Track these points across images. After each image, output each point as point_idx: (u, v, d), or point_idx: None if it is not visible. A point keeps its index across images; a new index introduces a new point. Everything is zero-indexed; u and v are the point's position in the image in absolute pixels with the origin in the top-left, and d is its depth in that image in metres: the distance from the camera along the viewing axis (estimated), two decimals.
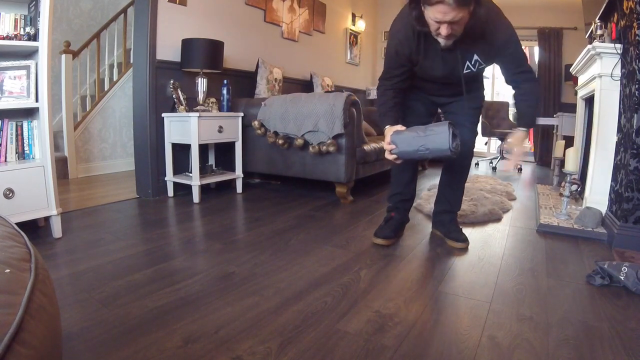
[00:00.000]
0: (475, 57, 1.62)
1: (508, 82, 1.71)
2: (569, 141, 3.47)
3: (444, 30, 1.40)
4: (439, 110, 2.02)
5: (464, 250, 1.85)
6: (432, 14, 1.38)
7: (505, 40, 1.56)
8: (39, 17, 1.74)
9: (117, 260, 1.63)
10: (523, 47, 1.65)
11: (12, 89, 1.73)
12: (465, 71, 1.66)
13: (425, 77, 1.77)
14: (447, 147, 1.43)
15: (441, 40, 1.48)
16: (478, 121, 1.95)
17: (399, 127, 1.60)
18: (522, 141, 1.67)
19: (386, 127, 1.67)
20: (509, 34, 1.56)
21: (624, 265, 1.46)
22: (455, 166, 1.97)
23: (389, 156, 1.61)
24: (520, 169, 4.78)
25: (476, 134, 1.93)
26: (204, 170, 2.88)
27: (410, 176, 2.01)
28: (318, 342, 1.08)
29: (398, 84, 1.73)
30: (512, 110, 7.64)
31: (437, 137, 1.45)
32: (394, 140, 1.55)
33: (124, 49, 4.11)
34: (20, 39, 1.74)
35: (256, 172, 3.23)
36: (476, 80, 1.85)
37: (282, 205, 2.66)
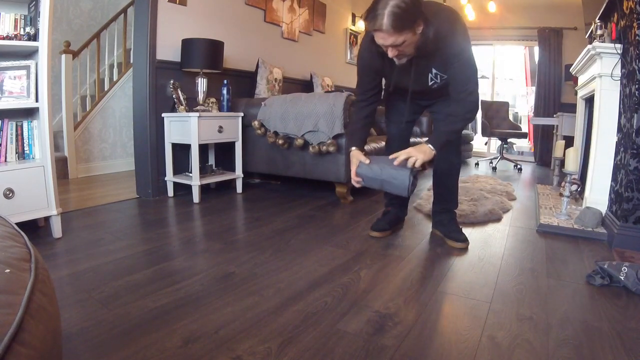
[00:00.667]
0: (434, 70, 1.69)
1: (452, 95, 1.71)
2: (569, 141, 3.47)
3: (390, 52, 1.51)
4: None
5: (464, 250, 1.86)
6: (376, 39, 1.50)
7: (453, 54, 1.61)
8: (39, 17, 1.74)
9: (117, 260, 1.63)
10: (477, 71, 1.68)
11: (12, 89, 1.73)
12: (430, 83, 1.73)
13: (400, 88, 1.83)
14: (406, 193, 1.64)
15: (395, 60, 1.58)
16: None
17: (363, 159, 1.71)
18: (424, 154, 1.63)
19: (352, 148, 1.80)
20: (458, 50, 1.61)
21: (624, 265, 1.46)
22: (443, 166, 2.01)
23: (354, 181, 1.74)
24: (520, 169, 4.78)
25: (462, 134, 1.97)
26: (204, 170, 2.88)
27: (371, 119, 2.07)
28: (318, 342, 1.08)
29: (372, 97, 1.83)
30: (512, 111, 7.65)
31: (397, 182, 1.62)
32: (359, 173, 1.71)
33: (124, 49, 4.11)
34: (20, 39, 1.74)
35: (256, 172, 3.23)
36: None
37: (282, 205, 2.66)
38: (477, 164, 5.14)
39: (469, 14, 5.16)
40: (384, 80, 1.87)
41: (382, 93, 1.91)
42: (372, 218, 2.35)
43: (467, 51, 1.63)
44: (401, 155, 1.62)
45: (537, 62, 5.74)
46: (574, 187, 2.53)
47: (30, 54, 1.84)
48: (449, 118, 1.67)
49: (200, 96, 2.79)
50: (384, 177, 1.64)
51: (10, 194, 1.68)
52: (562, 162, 2.65)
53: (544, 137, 5.56)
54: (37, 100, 1.77)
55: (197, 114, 2.57)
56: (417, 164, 1.62)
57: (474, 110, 1.68)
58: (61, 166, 3.51)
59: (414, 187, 1.65)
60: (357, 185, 1.74)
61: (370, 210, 2.56)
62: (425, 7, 1.50)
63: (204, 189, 2.81)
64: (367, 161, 1.70)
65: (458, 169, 2.05)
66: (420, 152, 1.63)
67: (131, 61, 3.40)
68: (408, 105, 1.89)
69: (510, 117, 5.65)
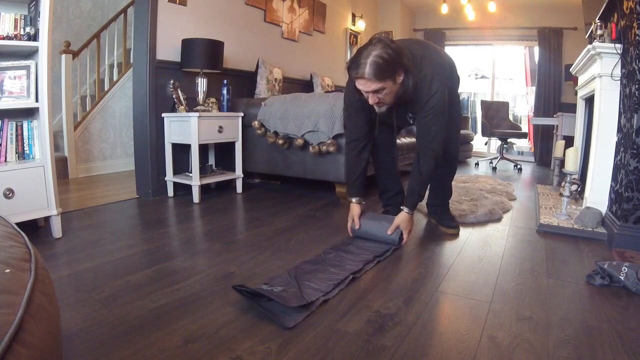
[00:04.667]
0: (410, 114, 1.83)
1: (417, 145, 1.83)
2: (569, 141, 3.47)
3: (370, 99, 1.60)
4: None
5: (455, 236, 2.01)
6: (358, 85, 1.59)
7: (423, 105, 1.69)
8: (39, 17, 1.74)
9: (117, 260, 1.63)
10: (444, 122, 1.73)
11: (12, 89, 1.73)
12: (410, 121, 1.88)
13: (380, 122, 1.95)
14: (396, 244, 1.85)
15: (375, 107, 1.66)
16: (457, 119, 2.04)
17: (356, 220, 1.92)
18: (408, 225, 1.85)
19: (352, 200, 1.95)
20: (431, 104, 1.68)
21: (624, 265, 1.46)
22: (441, 169, 2.04)
23: (350, 227, 1.95)
24: (520, 169, 4.78)
25: (455, 133, 2.06)
26: (204, 170, 2.88)
27: (390, 174, 2.21)
28: (318, 342, 1.08)
29: (366, 135, 1.90)
30: (512, 112, 7.66)
31: (389, 238, 1.86)
32: (355, 233, 1.94)
33: (124, 49, 4.11)
34: (20, 39, 1.74)
35: (256, 172, 3.23)
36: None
37: (282, 205, 2.66)
38: (477, 164, 5.14)
39: (469, 14, 5.16)
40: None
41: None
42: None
43: (441, 107, 1.69)
44: (393, 227, 1.83)
45: (537, 62, 5.74)
46: (574, 187, 2.53)
47: (30, 54, 1.84)
48: (416, 174, 1.81)
49: (200, 96, 2.79)
50: (376, 237, 1.90)
51: (10, 194, 1.68)
52: (562, 162, 2.65)
53: (544, 137, 5.56)
54: (37, 100, 1.77)
55: (197, 114, 2.57)
56: (406, 237, 1.85)
57: (438, 157, 1.80)
58: (61, 166, 3.51)
59: (401, 240, 1.87)
60: (349, 229, 1.95)
61: (371, 210, 2.55)
62: (409, 55, 1.60)
63: (204, 189, 2.81)
64: (357, 226, 1.92)
65: (451, 168, 2.16)
66: (407, 223, 1.84)
67: (131, 61, 3.40)
68: (395, 127, 1.99)
69: (510, 117, 5.65)
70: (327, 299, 1.31)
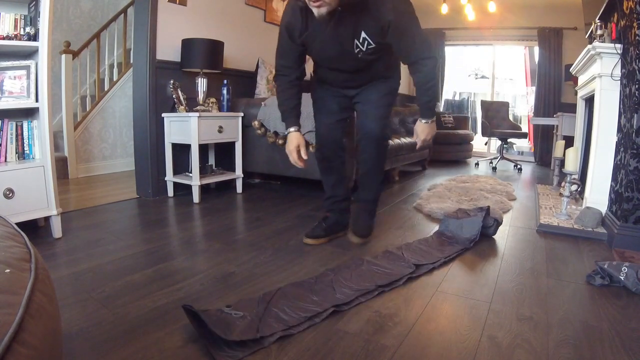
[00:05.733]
0: (363, 34, 1.49)
1: (407, 65, 1.63)
2: (569, 141, 3.47)
3: None
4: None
5: (362, 245, 1.84)
6: None
7: (391, 20, 1.42)
8: (39, 17, 1.74)
9: (117, 260, 1.63)
10: (425, 32, 1.56)
11: (12, 89, 1.73)
12: (356, 50, 1.54)
13: (324, 64, 1.72)
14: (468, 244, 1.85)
15: (314, 10, 1.38)
16: (389, 108, 1.83)
17: (302, 148, 1.67)
18: (424, 132, 1.72)
19: (291, 129, 1.69)
20: (399, 12, 1.42)
21: (624, 265, 1.46)
22: (363, 156, 1.83)
23: (297, 161, 1.67)
24: (520, 169, 4.78)
25: (385, 122, 1.79)
26: (204, 170, 2.88)
27: (336, 179, 1.91)
28: (318, 342, 1.08)
29: (295, 73, 1.70)
30: (511, 112, 7.66)
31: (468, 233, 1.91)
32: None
33: (124, 49, 4.11)
34: (20, 39, 1.74)
35: (256, 172, 3.23)
36: (384, 63, 1.72)
37: (282, 205, 2.66)
38: (477, 164, 5.14)
39: (469, 14, 5.16)
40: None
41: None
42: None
43: (409, 12, 1.47)
44: (419, 143, 1.73)
45: (537, 62, 5.73)
46: (574, 187, 2.53)
47: (30, 54, 1.84)
48: (420, 89, 1.64)
49: (200, 96, 2.79)
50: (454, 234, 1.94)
51: (10, 194, 1.68)
52: (562, 162, 2.64)
53: (544, 137, 5.56)
54: (37, 100, 1.77)
55: (197, 114, 2.57)
56: (420, 142, 1.74)
57: (435, 76, 1.61)
58: (61, 166, 3.51)
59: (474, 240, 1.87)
60: (296, 162, 1.67)
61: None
62: None
63: (204, 189, 2.81)
64: (306, 156, 1.68)
65: (380, 163, 1.88)
66: (426, 130, 1.71)
67: (131, 61, 3.40)
68: (337, 92, 1.76)
69: (510, 117, 5.64)
70: (288, 334, 1.09)
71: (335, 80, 1.77)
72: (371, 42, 1.50)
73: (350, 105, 1.87)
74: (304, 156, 1.66)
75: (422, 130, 1.72)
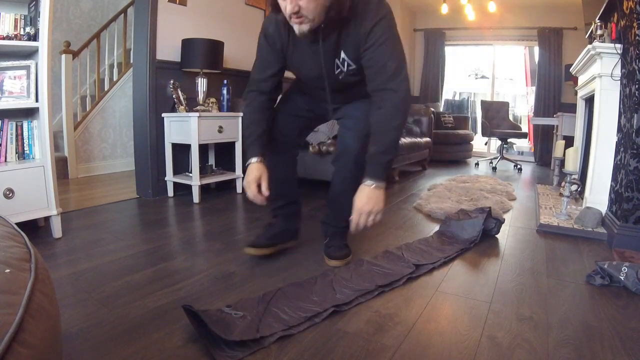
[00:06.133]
0: (343, 54, 1.36)
1: (371, 93, 1.37)
2: (569, 141, 3.47)
3: (287, 7, 1.18)
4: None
5: (340, 267, 1.57)
6: None
7: (369, 35, 1.27)
8: (39, 17, 1.74)
9: (117, 260, 1.63)
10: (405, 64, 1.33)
11: (12, 89, 1.73)
12: (337, 71, 1.40)
13: (304, 80, 1.55)
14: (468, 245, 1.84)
15: (295, 27, 1.25)
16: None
17: (264, 182, 1.39)
18: (366, 201, 1.29)
19: (253, 159, 1.43)
20: (380, 29, 1.26)
21: (624, 265, 1.46)
22: (338, 176, 1.58)
23: (255, 195, 1.38)
24: (520, 169, 4.78)
25: (367, 141, 1.43)
26: (204, 170, 2.88)
27: (283, 176, 1.65)
28: (318, 342, 1.08)
29: (269, 93, 1.51)
30: (511, 112, 7.66)
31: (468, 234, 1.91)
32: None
33: (124, 49, 4.11)
34: (20, 39, 1.74)
35: None
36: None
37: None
38: (477, 164, 5.14)
39: (469, 14, 5.16)
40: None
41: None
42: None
43: (390, 28, 1.29)
44: (355, 217, 1.31)
45: (537, 62, 5.73)
46: (574, 187, 2.53)
47: (30, 54, 1.84)
48: (376, 132, 1.33)
49: (200, 96, 2.79)
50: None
51: (10, 194, 1.68)
52: (562, 162, 2.64)
53: (544, 137, 5.56)
54: (37, 100, 1.77)
55: (197, 114, 2.57)
56: (363, 220, 1.30)
57: (406, 103, 1.33)
58: (61, 166, 3.51)
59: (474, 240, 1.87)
60: (254, 197, 1.39)
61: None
62: None
63: (204, 189, 2.81)
64: (267, 192, 1.39)
65: (352, 185, 1.49)
66: (367, 200, 1.29)
67: (131, 61, 3.40)
68: (320, 98, 1.55)
69: (510, 117, 5.64)
70: (288, 334, 1.09)
71: (316, 95, 1.60)
72: (351, 63, 1.37)
73: (324, 116, 1.68)
74: (265, 191, 1.38)
75: (363, 198, 1.30)
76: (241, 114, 2.94)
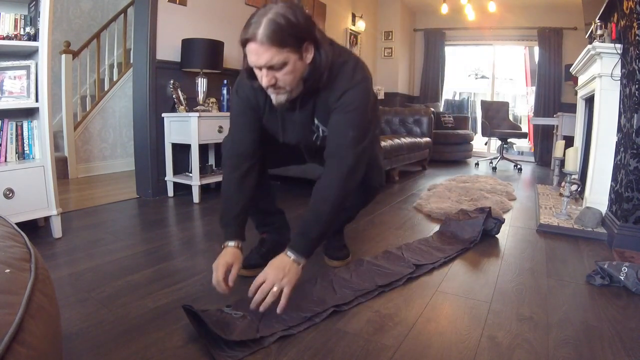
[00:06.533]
0: (316, 120, 1.28)
1: (325, 159, 1.25)
2: (569, 141, 3.47)
3: (264, 79, 1.10)
4: None
5: (340, 267, 1.57)
6: (249, 59, 1.10)
7: (340, 96, 1.19)
8: (39, 17, 1.74)
9: (117, 260, 1.63)
10: (367, 136, 1.23)
11: (12, 89, 1.73)
12: (313, 137, 1.33)
13: (281, 143, 1.41)
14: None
15: (272, 96, 1.18)
16: (377, 143, 1.58)
17: (234, 269, 1.21)
18: (278, 272, 1.12)
19: (230, 243, 1.26)
20: (351, 96, 1.18)
21: (624, 265, 1.46)
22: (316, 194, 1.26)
23: (220, 281, 1.17)
24: (520, 169, 4.78)
25: (375, 159, 1.46)
26: (204, 170, 2.88)
27: (254, 192, 1.39)
28: (318, 342, 1.08)
29: (252, 152, 1.33)
30: (511, 112, 7.66)
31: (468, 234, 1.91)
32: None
33: (124, 49, 4.11)
34: (20, 39, 1.74)
35: None
36: None
37: (282, 205, 2.65)
38: (477, 164, 5.14)
39: (469, 14, 5.16)
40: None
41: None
42: (372, 218, 2.35)
43: (364, 99, 1.21)
44: (256, 282, 1.12)
45: (537, 62, 5.74)
46: (574, 187, 2.53)
47: (30, 54, 1.84)
48: (314, 200, 1.21)
49: (200, 96, 2.79)
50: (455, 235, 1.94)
51: (10, 194, 1.68)
52: (562, 162, 2.64)
53: (544, 137, 5.56)
54: (37, 100, 1.77)
55: (197, 114, 2.57)
56: (285, 295, 1.10)
57: (352, 179, 1.20)
58: (61, 166, 3.51)
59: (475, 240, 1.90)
60: (222, 289, 1.18)
61: (371, 210, 2.56)
62: (324, 36, 1.17)
63: (204, 189, 2.81)
64: (231, 283, 1.19)
65: (371, 199, 1.59)
66: (281, 271, 1.13)
67: (131, 61, 3.40)
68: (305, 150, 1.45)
69: (510, 117, 5.65)
70: (288, 334, 1.09)
71: (292, 150, 1.50)
72: (325, 129, 1.28)
73: (299, 158, 1.58)
74: (231, 282, 1.19)
75: (277, 268, 1.14)
76: None
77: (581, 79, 2.99)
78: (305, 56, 1.12)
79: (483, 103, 5.53)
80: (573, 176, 2.37)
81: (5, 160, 1.77)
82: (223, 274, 1.18)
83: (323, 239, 1.21)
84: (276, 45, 1.05)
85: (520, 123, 7.68)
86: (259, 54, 1.06)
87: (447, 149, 5.28)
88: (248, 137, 1.33)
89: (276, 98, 1.18)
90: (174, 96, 2.72)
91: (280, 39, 1.05)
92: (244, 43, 1.09)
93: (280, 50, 1.06)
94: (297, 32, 1.07)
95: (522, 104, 8.81)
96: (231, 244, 1.27)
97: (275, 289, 1.10)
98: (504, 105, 5.57)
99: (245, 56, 1.13)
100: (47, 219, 1.93)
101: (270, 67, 1.08)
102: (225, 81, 2.94)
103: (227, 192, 1.34)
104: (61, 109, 3.64)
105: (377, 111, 1.50)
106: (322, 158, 1.29)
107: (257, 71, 1.13)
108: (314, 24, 1.13)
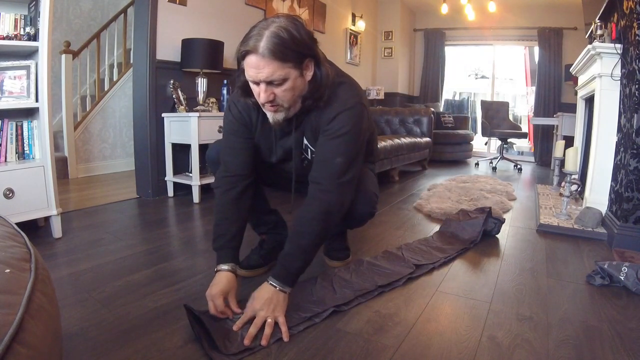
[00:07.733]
0: (305, 141, 1.25)
1: (309, 181, 1.20)
2: (569, 141, 3.47)
3: (262, 94, 1.07)
4: None
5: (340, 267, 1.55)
6: (248, 73, 1.06)
7: (330, 120, 1.15)
8: (39, 17, 1.74)
9: (117, 260, 1.63)
10: (356, 163, 1.18)
11: (12, 89, 1.73)
12: (301, 157, 1.30)
13: (271, 165, 1.40)
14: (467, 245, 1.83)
15: (268, 114, 1.15)
16: (371, 172, 1.53)
17: (232, 299, 1.18)
18: (264, 302, 1.10)
19: (223, 266, 1.21)
20: (342, 121, 1.14)
21: (624, 265, 1.46)
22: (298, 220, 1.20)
23: (223, 311, 1.13)
24: (520, 169, 4.78)
25: (367, 190, 1.39)
26: (204, 170, 2.88)
27: (252, 201, 1.39)
28: (318, 342, 1.08)
29: (247, 171, 1.29)
30: (511, 112, 7.66)
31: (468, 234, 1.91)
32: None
33: (124, 49, 4.11)
34: (20, 39, 1.74)
35: None
36: None
37: (282, 205, 2.65)
38: (477, 164, 5.14)
39: (469, 14, 5.16)
40: None
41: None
42: (372, 218, 2.34)
43: (354, 127, 1.15)
44: (246, 315, 1.10)
45: (537, 62, 5.74)
46: (574, 187, 2.53)
47: (30, 54, 1.84)
48: (296, 229, 1.17)
49: (200, 96, 2.79)
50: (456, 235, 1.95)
51: (10, 194, 1.68)
52: (562, 162, 2.64)
53: (544, 137, 5.56)
54: (37, 100, 1.77)
55: (197, 114, 2.57)
56: (282, 324, 1.09)
57: (334, 212, 1.15)
58: (61, 166, 3.51)
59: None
60: (224, 317, 1.13)
61: None
62: (324, 56, 1.15)
63: (204, 189, 2.81)
64: (231, 314, 1.13)
65: (366, 220, 1.51)
66: (265, 303, 1.10)
67: (131, 61, 3.40)
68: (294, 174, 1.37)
69: (510, 117, 5.65)
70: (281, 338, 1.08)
71: (279, 177, 1.48)
72: (314, 150, 1.24)
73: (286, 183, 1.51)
74: (235, 308, 1.15)
75: (265, 300, 1.11)
76: None
77: (581, 79, 2.99)
78: (306, 73, 1.10)
79: (483, 103, 5.53)
80: (573, 176, 2.37)
81: (5, 160, 1.77)
82: (222, 303, 1.13)
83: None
84: (278, 60, 1.02)
85: (520, 123, 7.69)
86: (259, 68, 1.03)
87: (447, 149, 5.29)
88: (242, 155, 1.29)
89: (273, 116, 1.14)
90: (174, 96, 2.72)
91: (282, 53, 1.02)
92: (243, 56, 1.04)
93: (282, 65, 1.03)
94: (299, 48, 1.05)
95: (522, 104, 8.81)
96: (225, 267, 1.22)
97: (269, 320, 1.08)
98: (504, 105, 5.57)
99: (240, 71, 1.10)
100: (47, 219, 1.93)
101: (270, 83, 1.05)
102: (225, 81, 2.93)
103: (222, 213, 1.28)
104: (61, 109, 3.65)
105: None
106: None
107: (254, 86, 1.09)
108: (316, 40, 1.11)
